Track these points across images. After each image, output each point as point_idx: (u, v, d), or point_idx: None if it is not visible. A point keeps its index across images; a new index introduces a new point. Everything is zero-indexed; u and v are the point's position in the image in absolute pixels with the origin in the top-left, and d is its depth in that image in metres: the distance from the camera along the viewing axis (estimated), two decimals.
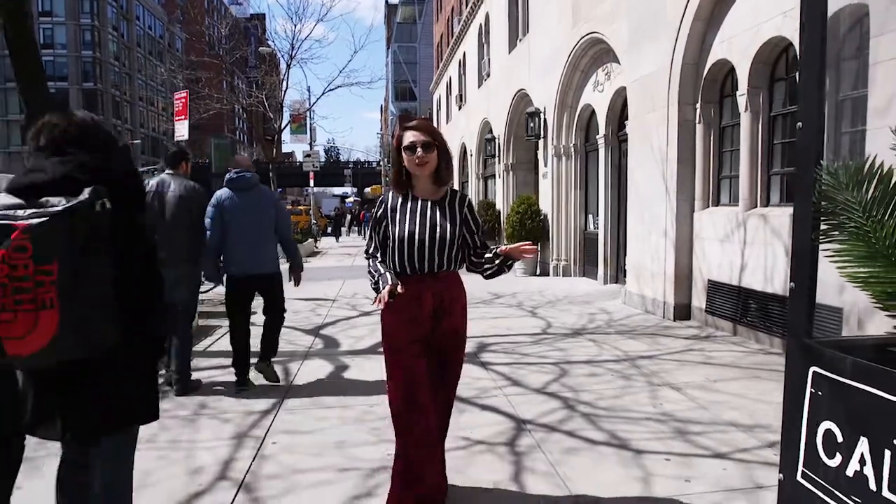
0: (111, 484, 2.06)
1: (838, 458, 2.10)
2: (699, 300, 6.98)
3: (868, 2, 4.40)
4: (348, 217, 38.51)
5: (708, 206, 7.02)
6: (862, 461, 1.99)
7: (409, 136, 2.57)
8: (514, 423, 3.86)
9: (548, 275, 11.84)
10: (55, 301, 1.71)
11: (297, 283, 5.02)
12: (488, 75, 17.50)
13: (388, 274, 2.51)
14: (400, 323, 2.58)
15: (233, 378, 4.74)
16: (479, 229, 2.72)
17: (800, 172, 2.32)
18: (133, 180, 2.13)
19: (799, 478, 2.30)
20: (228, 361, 5.01)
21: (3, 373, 1.99)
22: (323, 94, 21.04)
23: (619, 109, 9.58)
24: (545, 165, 12.09)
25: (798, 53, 2.45)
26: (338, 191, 64.18)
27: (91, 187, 1.82)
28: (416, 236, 2.55)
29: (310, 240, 21.60)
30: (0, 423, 2.07)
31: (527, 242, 2.59)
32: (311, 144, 28.06)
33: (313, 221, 27.34)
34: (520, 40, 14.19)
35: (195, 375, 4.84)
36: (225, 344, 6.13)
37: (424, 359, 2.58)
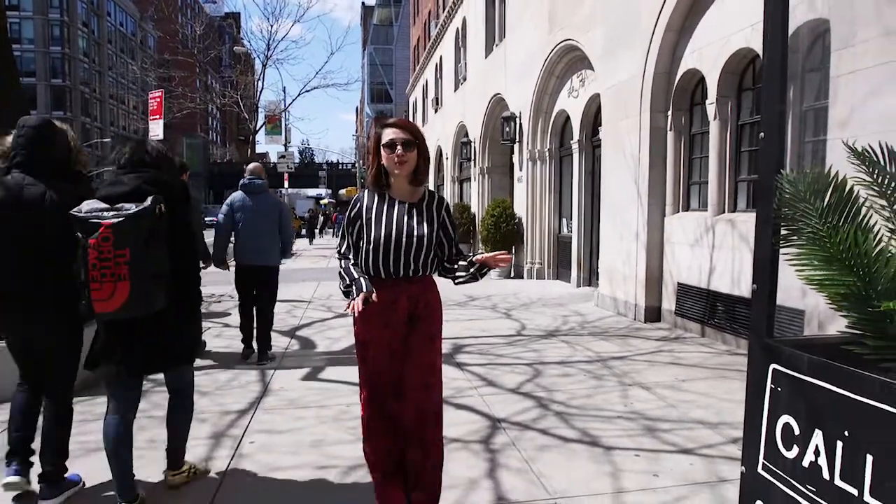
0: (184, 396, 3.05)
1: (795, 450, 2.22)
2: (669, 303, 7.16)
3: (829, 18, 4.59)
4: (321, 219, 38.28)
5: (678, 211, 7.21)
6: (817, 452, 2.12)
7: (390, 133, 2.48)
8: (489, 421, 3.94)
9: (522, 278, 11.97)
10: (127, 276, 2.48)
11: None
12: (465, 79, 17.62)
13: (361, 279, 2.44)
14: (374, 328, 2.51)
15: (208, 378, 4.76)
16: (455, 235, 2.67)
17: (762, 181, 2.44)
18: (180, 189, 2.85)
19: (760, 470, 2.42)
20: (204, 363, 5.06)
21: (122, 329, 2.69)
22: (299, 94, 20.97)
23: (594, 115, 9.76)
24: (520, 169, 12.24)
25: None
26: (312, 192, 63.76)
27: (153, 196, 2.59)
28: (392, 240, 2.47)
29: None
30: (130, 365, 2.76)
31: (502, 252, 2.55)
32: (285, 146, 27.88)
33: None
34: (496, 45, 14.34)
35: None
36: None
37: (398, 365, 2.53)
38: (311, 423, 3.97)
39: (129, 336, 2.68)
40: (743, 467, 2.55)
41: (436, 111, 23.19)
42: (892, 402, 1.85)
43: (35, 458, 2.92)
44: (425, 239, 2.50)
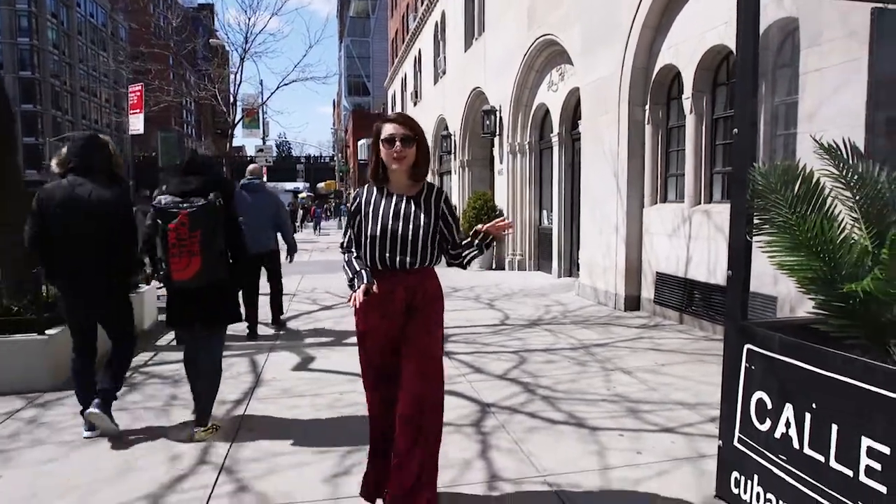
0: (214, 352, 3.77)
1: (768, 423, 2.41)
2: (648, 292, 7.38)
3: (798, 17, 4.79)
4: (300, 212, 38.10)
5: (656, 203, 7.42)
6: (787, 424, 2.31)
7: (389, 129, 2.51)
8: (479, 406, 4.10)
9: (503, 269, 12.15)
10: (199, 252, 3.39)
11: (290, 260, 6.88)
12: (444, 73, 17.71)
13: (364, 272, 2.49)
14: (372, 319, 2.56)
15: None
16: (457, 225, 2.68)
17: (736, 173, 2.63)
18: (229, 187, 3.79)
19: (735, 443, 2.61)
20: None
21: (187, 295, 3.55)
22: (277, 88, 20.84)
23: (573, 109, 9.94)
24: (501, 162, 12.39)
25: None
26: (290, 186, 63.38)
27: (213, 192, 3.47)
28: (389, 233, 2.51)
29: None
30: (186, 318, 3.68)
31: (501, 219, 2.60)
32: (263, 139, 27.69)
33: None
34: (476, 39, 14.44)
35: (165, 369, 4.91)
36: None
37: (396, 356, 2.56)
38: (306, 411, 4.08)
39: (193, 300, 3.55)
40: (720, 441, 2.75)
41: (415, 104, 23.24)
42: (854, 376, 2.04)
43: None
44: (421, 231, 2.52)
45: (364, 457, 2.86)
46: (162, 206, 3.39)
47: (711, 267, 6.24)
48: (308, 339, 6.26)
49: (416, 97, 23.12)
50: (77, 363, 3.73)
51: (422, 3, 20.49)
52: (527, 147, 11.69)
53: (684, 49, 6.68)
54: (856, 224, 2.34)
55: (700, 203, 6.65)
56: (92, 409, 3.56)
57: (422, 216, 2.54)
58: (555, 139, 10.44)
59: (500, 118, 12.21)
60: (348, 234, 2.66)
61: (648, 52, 7.25)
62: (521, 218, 11.91)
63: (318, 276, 11.58)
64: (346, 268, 2.58)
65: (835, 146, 2.34)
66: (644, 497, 2.83)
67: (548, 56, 10.50)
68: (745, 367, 2.56)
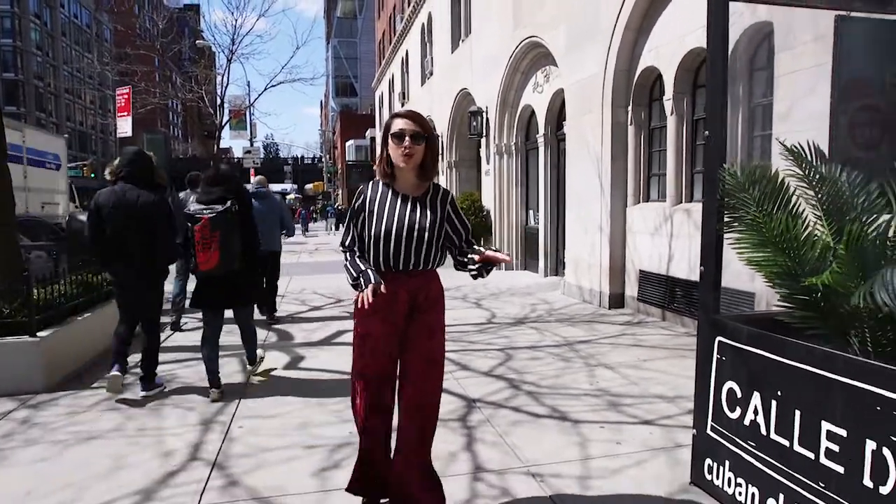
0: (247, 321, 4.83)
1: (738, 411, 2.53)
2: (632, 289, 7.52)
3: (773, 21, 4.94)
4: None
5: (639, 202, 7.56)
6: (755, 412, 2.43)
7: (400, 124, 2.44)
8: (465, 401, 4.20)
9: None
10: (218, 248, 4.21)
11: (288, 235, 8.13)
12: (431, 74, 17.81)
13: (369, 272, 2.40)
14: (373, 321, 2.49)
15: (190, 370, 4.92)
16: (466, 231, 2.62)
17: (707, 173, 2.75)
18: (244, 194, 4.65)
19: (708, 431, 2.74)
20: (185, 356, 5.24)
21: (212, 282, 4.44)
22: (265, 90, 20.86)
23: (558, 110, 10.07)
24: (487, 163, 12.51)
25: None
26: (278, 187, 63.23)
27: (230, 199, 4.31)
28: (393, 234, 2.44)
29: None
30: (213, 301, 4.53)
31: (502, 253, 2.51)
32: (251, 141, 27.66)
33: None
34: (462, 41, 14.56)
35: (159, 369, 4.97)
36: (180, 339, 6.29)
37: (396, 359, 2.54)
38: (296, 407, 4.17)
39: (216, 286, 4.42)
40: (694, 430, 2.87)
41: (402, 105, 23.31)
42: (815, 364, 2.16)
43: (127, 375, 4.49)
44: (426, 233, 2.47)
45: (352, 451, 2.95)
46: (191, 212, 4.29)
47: (692, 264, 6.38)
48: (298, 339, 6.33)
49: (404, 98, 23.20)
50: (119, 328, 4.51)
51: (408, 5, 20.58)
52: (513, 148, 11.82)
53: (665, 51, 6.83)
54: (819, 221, 2.46)
55: (681, 202, 6.79)
56: (113, 372, 4.31)
57: (427, 218, 2.49)
58: (540, 140, 10.56)
59: (487, 119, 12.32)
60: (351, 232, 2.56)
61: (631, 55, 7.39)
62: (508, 218, 12.04)
63: (307, 277, 11.65)
64: (349, 267, 2.49)
65: (798, 148, 2.46)
66: (622, 484, 2.95)
67: (533, 58, 10.63)
68: (717, 358, 2.69)
